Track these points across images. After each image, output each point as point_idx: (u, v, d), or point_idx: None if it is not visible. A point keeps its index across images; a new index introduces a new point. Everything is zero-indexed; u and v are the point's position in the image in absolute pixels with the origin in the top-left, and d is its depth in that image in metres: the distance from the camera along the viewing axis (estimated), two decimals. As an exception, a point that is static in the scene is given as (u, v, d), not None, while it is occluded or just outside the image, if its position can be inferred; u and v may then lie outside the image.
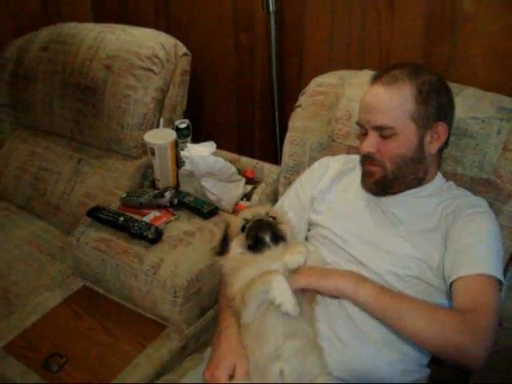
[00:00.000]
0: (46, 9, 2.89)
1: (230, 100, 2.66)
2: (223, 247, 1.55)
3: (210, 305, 1.88)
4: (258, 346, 1.34)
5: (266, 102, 2.48)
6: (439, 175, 1.62)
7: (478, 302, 1.33)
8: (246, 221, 1.52)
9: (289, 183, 1.95)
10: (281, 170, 2.05)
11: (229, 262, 1.51)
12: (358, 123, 1.59)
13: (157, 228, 1.90)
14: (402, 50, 2.06)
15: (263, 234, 1.46)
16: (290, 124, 2.02)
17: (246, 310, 1.37)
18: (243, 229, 1.51)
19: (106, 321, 1.87)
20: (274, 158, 2.43)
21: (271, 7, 2.21)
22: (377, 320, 1.38)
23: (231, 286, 1.44)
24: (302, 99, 2.02)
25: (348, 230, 1.58)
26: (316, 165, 1.82)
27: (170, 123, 2.31)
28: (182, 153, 2.03)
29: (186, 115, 2.39)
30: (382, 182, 1.54)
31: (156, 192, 2.08)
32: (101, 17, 2.83)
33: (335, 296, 1.40)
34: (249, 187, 2.17)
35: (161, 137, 2.17)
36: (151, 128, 2.27)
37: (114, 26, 2.45)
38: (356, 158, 1.69)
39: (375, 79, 1.54)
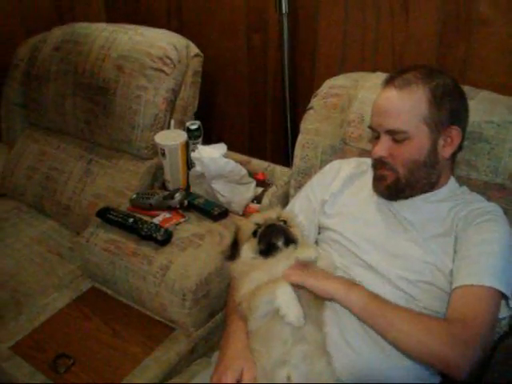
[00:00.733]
0: (58, 9, 2.90)
1: (242, 101, 2.65)
2: (233, 251, 1.55)
3: (219, 308, 1.87)
4: (266, 351, 1.33)
5: (278, 103, 2.47)
6: (452, 180, 1.60)
7: (470, 313, 1.32)
8: (258, 225, 1.52)
9: (300, 186, 1.93)
10: (292, 172, 2.03)
11: (238, 266, 1.50)
12: (370, 127, 1.57)
13: (166, 230, 1.89)
14: (416, 52, 2.04)
15: (276, 240, 1.46)
16: (302, 126, 2.01)
17: (251, 318, 1.36)
18: (255, 234, 1.50)
19: (114, 322, 1.86)
20: (286, 160, 2.41)
21: (284, 8, 2.20)
22: None
23: (239, 290, 1.43)
24: (315, 101, 2.00)
25: (359, 234, 1.57)
26: (327, 167, 1.80)
27: (181, 124, 2.30)
28: (193, 154, 2.02)
29: (197, 116, 2.37)
30: (394, 186, 1.52)
31: (166, 193, 2.07)
32: (113, 17, 2.84)
33: (325, 298, 1.40)
34: (259, 190, 2.15)
35: (171, 138, 2.15)
36: (162, 129, 2.26)
37: (126, 26, 2.44)
38: (368, 161, 1.67)
39: (388, 82, 1.53)
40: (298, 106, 2.37)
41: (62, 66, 2.46)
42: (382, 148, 1.50)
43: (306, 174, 1.96)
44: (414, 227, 1.52)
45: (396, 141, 1.48)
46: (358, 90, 1.90)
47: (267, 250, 1.46)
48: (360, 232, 1.57)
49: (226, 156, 2.01)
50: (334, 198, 1.69)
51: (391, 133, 1.48)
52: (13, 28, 2.81)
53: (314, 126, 1.97)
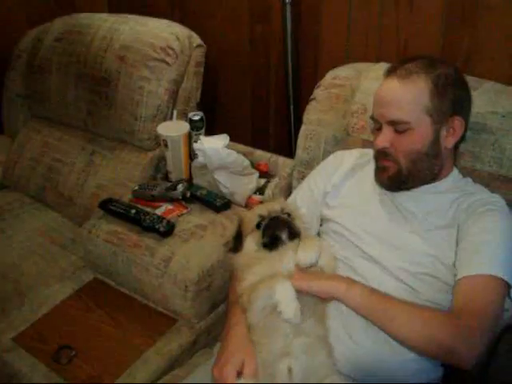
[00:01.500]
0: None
1: (245, 92, 2.64)
2: (237, 244, 1.55)
3: (221, 299, 1.87)
4: (267, 343, 1.33)
5: (281, 94, 2.45)
6: (455, 171, 1.59)
7: (475, 304, 1.32)
8: (262, 217, 1.51)
9: (303, 177, 1.93)
10: (295, 163, 2.03)
11: (241, 258, 1.50)
12: (372, 117, 1.56)
13: (169, 221, 1.89)
14: (420, 42, 2.02)
15: (280, 233, 1.46)
16: (305, 117, 2.00)
17: (251, 312, 1.36)
18: (258, 226, 1.50)
19: (117, 314, 1.86)
20: (289, 151, 2.40)
21: (287, -2, 2.18)
22: None
23: (241, 283, 1.43)
24: (318, 92, 1.99)
25: (360, 226, 1.56)
26: (330, 158, 1.80)
27: (183, 115, 2.29)
28: (195, 145, 2.01)
29: (199, 107, 2.36)
30: (397, 177, 1.51)
31: (168, 185, 2.06)
32: (116, 7, 2.83)
33: (326, 298, 1.40)
34: (262, 181, 2.14)
35: (174, 129, 2.15)
36: (164, 120, 2.25)
37: (128, 16, 2.43)
38: (371, 152, 1.65)
39: (390, 72, 1.52)
40: (301, 97, 2.36)
41: (64, 57, 2.46)
42: (384, 139, 1.49)
43: (309, 165, 1.95)
44: (417, 219, 1.51)
45: (398, 131, 1.47)
46: (361, 81, 1.89)
47: (271, 243, 1.45)
48: (362, 223, 1.56)
49: (228, 147, 2.00)
50: (336, 190, 1.68)
51: (393, 123, 1.47)
52: (15, 19, 2.80)
53: (316, 117, 1.96)
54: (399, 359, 1.38)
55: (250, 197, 2.08)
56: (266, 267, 1.40)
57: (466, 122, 1.52)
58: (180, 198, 2.02)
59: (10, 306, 1.95)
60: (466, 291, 1.35)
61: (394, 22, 2.05)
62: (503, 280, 1.34)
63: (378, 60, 1.96)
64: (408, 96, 1.45)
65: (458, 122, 1.49)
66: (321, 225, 1.72)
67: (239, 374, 1.33)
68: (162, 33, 2.27)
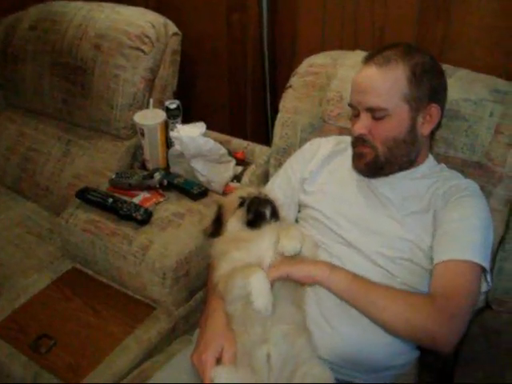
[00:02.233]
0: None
1: (222, 81, 2.63)
2: (216, 228, 1.55)
3: (199, 287, 1.87)
4: (245, 330, 1.33)
5: (258, 82, 2.46)
6: (430, 157, 1.61)
7: (453, 288, 1.34)
8: (243, 198, 1.51)
9: (279, 165, 1.93)
10: (271, 151, 2.04)
11: (218, 244, 1.50)
12: (349, 104, 1.57)
13: (146, 209, 1.89)
14: (396, 30, 2.03)
15: (264, 209, 1.47)
16: (281, 105, 2.00)
17: (227, 301, 1.37)
18: (241, 204, 1.50)
19: (95, 302, 1.86)
20: (266, 139, 2.40)
21: (264, -13, 2.18)
22: None
23: (217, 270, 1.43)
24: (294, 80, 2.00)
25: (338, 212, 1.57)
26: (307, 145, 1.81)
27: (160, 104, 2.28)
28: (172, 133, 2.01)
29: (176, 96, 2.36)
30: (374, 163, 1.53)
31: (145, 173, 2.06)
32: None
33: (308, 283, 1.40)
34: (239, 169, 2.15)
35: (150, 117, 2.14)
36: (141, 108, 2.24)
37: (103, 4, 2.41)
38: (348, 139, 1.66)
39: (367, 60, 1.52)
40: (277, 85, 2.36)
41: (38, 46, 2.44)
42: (362, 125, 1.50)
43: (286, 153, 1.96)
44: (393, 204, 1.53)
45: (376, 118, 1.48)
46: (337, 69, 1.90)
47: (256, 219, 1.46)
48: (339, 209, 1.57)
49: (205, 135, 2.01)
50: (313, 176, 1.69)
51: (371, 110, 1.48)
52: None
53: (293, 105, 1.96)
54: (377, 343, 1.40)
55: (227, 184, 2.08)
56: (244, 253, 1.40)
57: (442, 109, 1.53)
58: (157, 186, 2.02)
59: (-12, 296, 1.94)
60: (442, 276, 1.37)
61: (370, 10, 2.06)
62: (479, 264, 1.37)
63: (354, 48, 1.96)
64: (386, 83, 1.46)
65: (434, 110, 1.50)
66: (299, 211, 1.73)
67: (218, 360, 1.33)
68: (138, 21, 2.26)
